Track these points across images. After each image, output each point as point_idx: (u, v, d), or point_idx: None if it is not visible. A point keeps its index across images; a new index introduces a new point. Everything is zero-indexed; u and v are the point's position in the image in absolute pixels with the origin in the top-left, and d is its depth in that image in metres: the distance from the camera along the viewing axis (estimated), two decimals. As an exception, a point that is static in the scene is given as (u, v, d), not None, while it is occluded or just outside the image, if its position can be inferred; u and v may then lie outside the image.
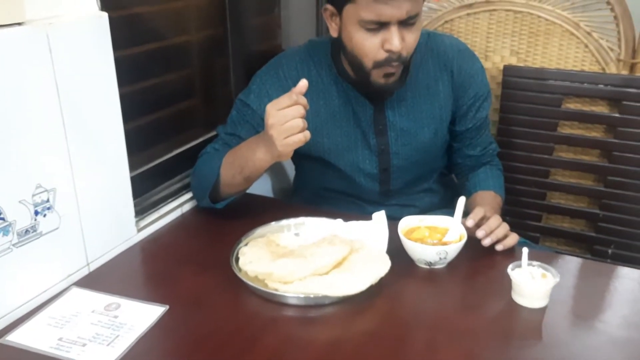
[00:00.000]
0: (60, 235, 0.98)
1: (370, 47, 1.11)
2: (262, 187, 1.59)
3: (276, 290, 0.94)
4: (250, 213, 1.23)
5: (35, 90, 0.90)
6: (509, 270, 0.96)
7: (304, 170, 1.43)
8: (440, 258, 1.03)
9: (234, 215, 1.22)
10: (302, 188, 1.46)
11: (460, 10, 1.66)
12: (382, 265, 0.98)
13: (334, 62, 1.27)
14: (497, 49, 1.65)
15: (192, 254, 1.12)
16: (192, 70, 1.47)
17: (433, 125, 1.30)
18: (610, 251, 1.62)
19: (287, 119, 1.01)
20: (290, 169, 1.58)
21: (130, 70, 1.21)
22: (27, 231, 0.92)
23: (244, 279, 0.97)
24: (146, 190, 1.26)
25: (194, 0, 1.44)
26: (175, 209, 1.28)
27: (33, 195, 0.92)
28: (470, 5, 1.65)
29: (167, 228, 1.23)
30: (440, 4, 1.68)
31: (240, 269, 1.01)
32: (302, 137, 1.03)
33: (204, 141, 1.45)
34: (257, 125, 1.25)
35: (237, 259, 1.03)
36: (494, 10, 1.63)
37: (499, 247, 1.10)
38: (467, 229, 1.08)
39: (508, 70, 1.60)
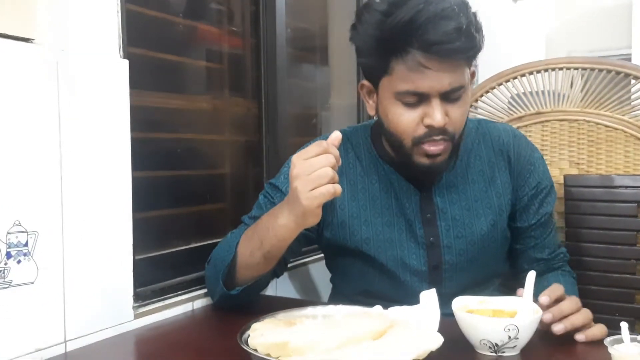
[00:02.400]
0: (35, 293, 0.80)
1: (408, 122, 0.99)
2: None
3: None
4: (272, 311, 1.01)
5: (34, 116, 0.81)
6: (608, 346, 0.71)
7: (339, 271, 1.23)
8: (509, 337, 0.78)
9: (253, 313, 1.00)
10: (336, 295, 1.24)
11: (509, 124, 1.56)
12: (431, 339, 0.74)
13: (373, 145, 1.15)
14: (554, 161, 1.51)
15: (197, 344, 0.91)
16: (224, 172, 1.39)
17: (490, 216, 1.12)
18: None
19: (314, 168, 0.87)
20: (323, 280, 1.37)
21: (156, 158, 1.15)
22: (-9, 274, 0.75)
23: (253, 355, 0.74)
24: (152, 275, 1.07)
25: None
26: (186, 302, 1.08)
27: (8, 233, 0.77)
28: (520, 118, 1.55)
29: (172, 320, 1.02)
30: (487, 119, 1.59)
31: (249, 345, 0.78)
32: (332, 188, 0.87)
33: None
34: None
35: (247, 338, 0.81)
36: (546, 121, 1.52)
37: (579, 337, 0.87)
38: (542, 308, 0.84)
39: (569, 180, 1.44)
